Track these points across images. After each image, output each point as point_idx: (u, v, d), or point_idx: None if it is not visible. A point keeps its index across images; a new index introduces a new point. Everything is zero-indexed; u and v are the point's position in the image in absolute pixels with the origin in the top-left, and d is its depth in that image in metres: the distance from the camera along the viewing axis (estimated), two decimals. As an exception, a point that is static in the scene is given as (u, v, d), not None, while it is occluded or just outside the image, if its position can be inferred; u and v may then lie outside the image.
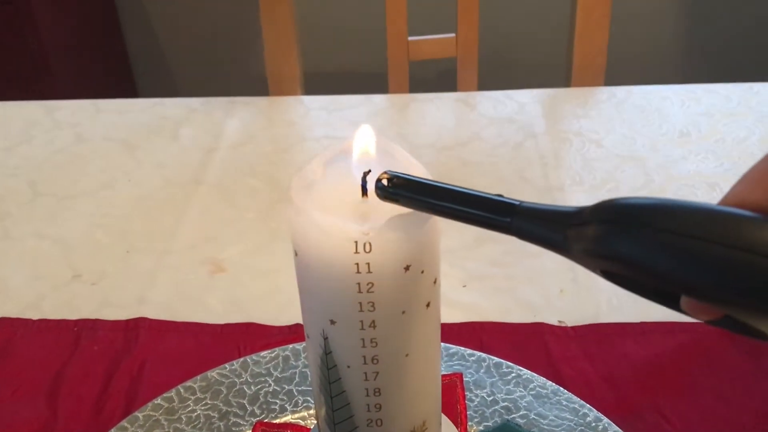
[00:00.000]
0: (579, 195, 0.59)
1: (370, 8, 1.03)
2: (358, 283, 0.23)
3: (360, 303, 0.24)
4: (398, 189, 0.23)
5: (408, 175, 0.23)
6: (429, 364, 0.26)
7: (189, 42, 1.59)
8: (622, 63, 1.10)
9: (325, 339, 0.25)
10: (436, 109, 0.72)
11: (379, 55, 0.80)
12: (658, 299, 0.21)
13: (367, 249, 0.23)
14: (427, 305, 0.25)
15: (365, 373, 0.25)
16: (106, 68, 1.52)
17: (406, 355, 0.25)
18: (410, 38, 0.77)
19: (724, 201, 0.19)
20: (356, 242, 0.23)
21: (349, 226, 0.23)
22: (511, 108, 0.71)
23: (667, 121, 0.68)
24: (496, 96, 0.73)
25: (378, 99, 0.74)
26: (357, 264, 0.23)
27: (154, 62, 1.62)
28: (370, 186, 0.24)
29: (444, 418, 0.32)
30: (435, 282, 0.25)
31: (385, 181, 0.23)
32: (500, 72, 1.07)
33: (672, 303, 0.20)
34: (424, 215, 0.24)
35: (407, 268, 0.23)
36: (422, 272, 0.24)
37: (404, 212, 0.23)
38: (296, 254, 0.24)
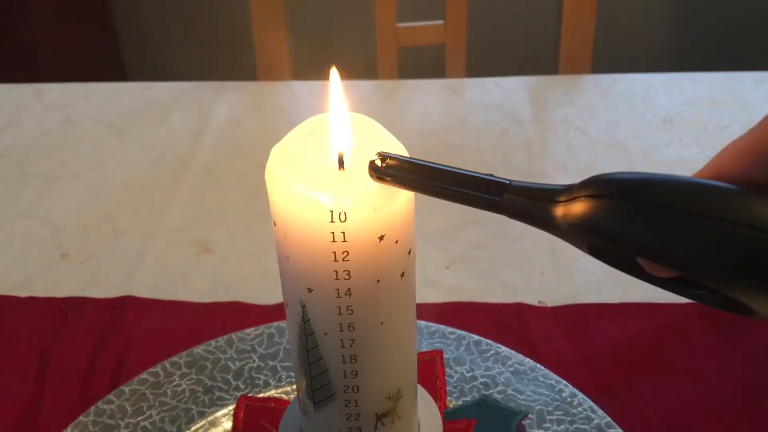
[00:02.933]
0: (562, 181, 0.60)
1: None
2: (334, 252, 0.24)
3: (336, 271, 0.24)
4: (391, 169, 0.23)
5: (401, 156, 0.23)
6: (404, 333, 0.27)
7: (178, 26, 1.59)
8: (609, 52, 1.11)
9: (303, 307, 0.26)
10: (424, 96, 0.73)
11: (368, 41, 0.81)
12: (642, 276, 0.21)
13: (343, 219, 0.23)
14: (402, 275, 0.26)
15: (341, 340, 0.26)
16: (95, 52, 1.52)
17: (381, 323, 0.26)
18: (399, 24, 0.78)
19: (700, 174, 0.20)
20: (332, 212, 0.23)
21: (325, 196, 0.23)
22: (498, 95, 0.71)
23: (651, 108, 0.68)
24: (483, 83, 0.73)
25: (367, 85, 0.74)
26: (333, 233, 0.24)
27: (143, 46, 1.62)
28: (347, 159, 0.25)
29: (420, 389, 0.32)
30: (409, 253, 0.26)
31: (378, 161, 0.23)
32: (488, 59, 1.08)
33: (655, 279, 0.21)
34: (399, 190, 0.24)
35: (381, 238, 0.24)
36: (396, 242, 0.25)
37: (380, 184, 0.24)
38: (275, 224, 0.25)
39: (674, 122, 0.66)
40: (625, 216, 0.18)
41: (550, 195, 0.21)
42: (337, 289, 0.25)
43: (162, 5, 1.56)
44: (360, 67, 0.87)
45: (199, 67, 1.59)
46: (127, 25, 1.59)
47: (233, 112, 0.70)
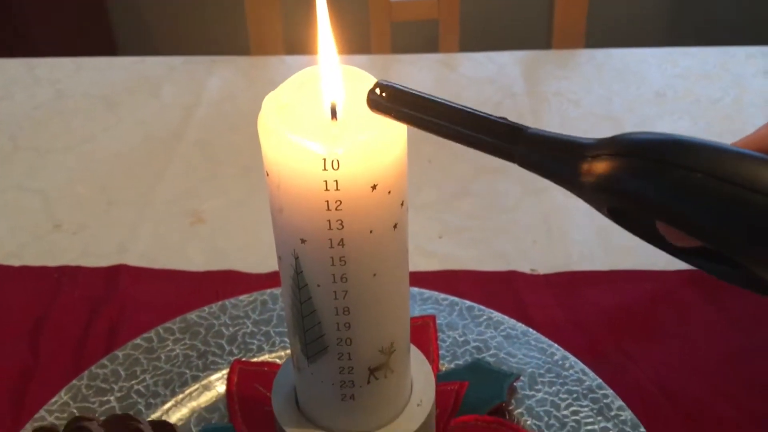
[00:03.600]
0: (555, 152, 0.60)
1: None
2: (327, 201, 0.24)
3: (329, 221, 0.25)
4: (392, 101, 0.21)
5: (402, 86, 0.21)
6: (396, 286, 0.27)
7: (170, 1, 1.58)
8: (604, 26, 1.10)
9: (296, 258, 0.26)
10: (418, 71, 0.72)
11: (362, 16, 0.80)
12: (663, 245, 0.19)
13: (335, 166, 0.23)
14: (395, 226, 0.26)
15: (334, 292, 0.26)
16: (86, 27, 1.51)
17: (374, 275, 0.26)
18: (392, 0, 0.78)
19: (745, 141, 0.19)
20: (324, 159, 0.23)
21: (318, 145, 0.23)
22: (491, 69, 0.71)
23: (645, 82, 0.68)
24: (477, 57, 0.73)
25: (360, 59, 0.74)
26: (326, 181, 0.24)
27: (134, 21, 1.61)
28: (339, 109, 0.25)
29: (413, 348, 0.33)
30: (402, 204, 0.26)
31: (378, 91, 0.21)
32: (482, 34, 1.07)
33: (676, 250, 0.19)
34: (392, 137, 0.24)
35: (374, 187, 0.24)
36: (389, 193, 0.25)
37: (373, 133, 0.24)
38: (267, 175, 0.25)
39: (667, 95, 0.67)
40: (649, 176, 0.17)
41: (573, 148, 0.19)
42: (330, 240, 0.25)
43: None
44: (353, 42, 0.87)
45: (191, 42, 1.58)
46: (119, 8, 1.58)
47: (226, 86, 0.70)
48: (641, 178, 0.17)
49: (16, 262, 0.51)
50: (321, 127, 0.24)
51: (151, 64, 0.73)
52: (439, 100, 0.21)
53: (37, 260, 0.51)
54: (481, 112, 0.21)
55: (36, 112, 0.67)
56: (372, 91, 0.22)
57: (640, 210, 0.17)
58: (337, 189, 0.24)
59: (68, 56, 0.74)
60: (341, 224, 0.25)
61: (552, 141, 0.20)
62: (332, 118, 0.25)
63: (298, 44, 0.79)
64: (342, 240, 0.25)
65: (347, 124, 0.24)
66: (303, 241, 0.25)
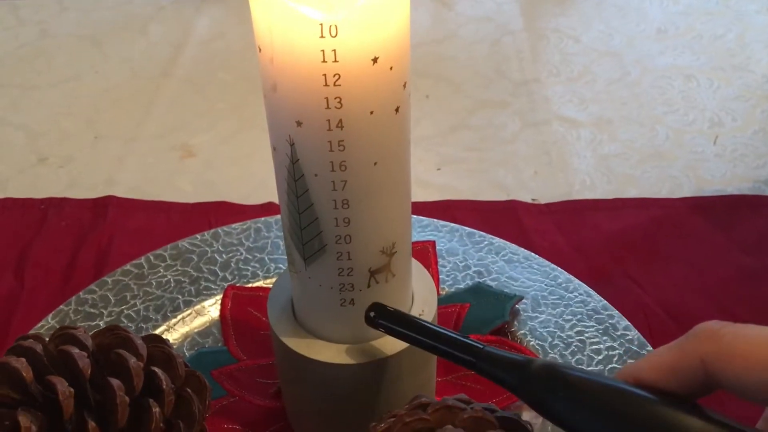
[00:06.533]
0: (556, 87, 0.59)
1: None
2: (324, 75, 0.22)
3: (326, 98, 0.23)
4: (382, 319, 0.27)
5: (393, 308, 0.27)
6: (398, 178, 0.26)
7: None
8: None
9: (292, 145, 0.25)
10: (413, 9, 0.70)
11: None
12: None
13: (333, 33, 0.22)
14: (397, 110, 0.24)
15: (333, 182, 0.25)
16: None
17: (375, 164, 0.25)
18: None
19: (626, 373, 0.22)
20: (321, 25, 0.22)
21: (315, 10, 0.22)
22: (488, 6, 0.69)
23: (645, 19, 0.67)
24: (473, -3, 0.71)
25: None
26: (323, 51, 0.22)
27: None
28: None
29: (414, 261, 0.31)
30: (405, 86, 0.24)
31: (372, 313, 0.27)
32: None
33: None
34: (394, 4, 0.23)
35: (375, 60, 0.23)
36: (391, 69, 0.23)
37: (372, 2, 0.22)
38: (260, 50, 0.24)
39: (668, 32, 0.65)
40: (566, 409, 0.22)
41: (515, 368, 0.24)
42: (328, 120, 0.23)
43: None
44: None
45: None
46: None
47: (215, 25, 0.68)
48: (562, 408, 0.22)
49: (0, 196, 0.49)
50: (317, -2, 0.23)
51: (138, 4, 0.70)
52: (422, 322, 0.27)
53: (22, 193, 0.49)
54: (451, 332, 0.27)
55: (19, 51, 0.65)
56: (368, 312, 0.27)
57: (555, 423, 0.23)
58: (335, 60, 0.22)
59: None
60: (340, 102, 0.23)
61: (500, 359, 0.25)
62: (329, -10, 0.23)
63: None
64: (341, 121, 0.23)
65: (345, -5, 0.23)
66: (299, 123, 0.24)
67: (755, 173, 0.49)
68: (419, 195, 0.49)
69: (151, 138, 0.54)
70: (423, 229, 0.44)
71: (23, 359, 0.26)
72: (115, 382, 0.26)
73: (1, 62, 0.63)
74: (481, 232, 0.43)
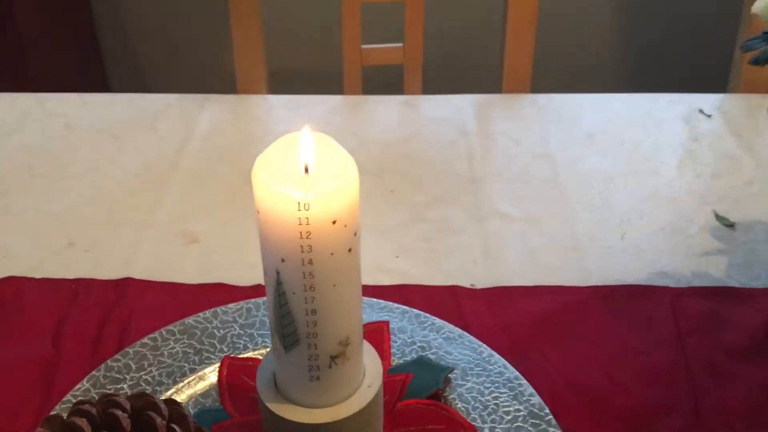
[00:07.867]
0: (499, 185, 0.71)
1: (329, 18, 1.15)
2: (300, 232, 0.34)
3: (301, 246, 0.34)
4: None
5: None
6: (351, 293, 0.37)
7: (161, 43, 1.68)
8: (549, 72, 1.23)
9: (278, 273, 0.36)
10: (384, 110, 0.83)
11: (336, 59, 0.91)
12: None
13: (307, 208, 0.33)
14: (349, 250, 0.36)
15: (305, 298, 0.36)
16: (80, 66, 1.59)
17: (334, 286, 0.36)
18: (363, 46, 0.88)
19: None
20: (299, 203, 0.33)
21: (295, 192, 0.33)
22: (448, 110, 0.82)
23: (578, 125, 0.79)
24: (436, 99, 0.84)
25: (334, 99, 0.84)
26: (299, 218, 0.34)
27: (126, 61, 1.70)
28: (311, 167, 0.35)
29: (366, 343, 0.43)
30: (355, 234, 0.36)
31: None
32: (442, 78, 1.19)
33: None
34: (348, 188, 0.34)
35: (334, 222, 0.34)
36: (345, 226, 0.35)
37: (334, 185, 0.34)
38: (258, 213, 0.35)
39: (596, 137, 0.78)
40: None
41: None
42: (302, 259, 0.35)
43: (146, 22, 1.65)
44: (329, 84, 0.98)
45: (181, 81, 1.68)
46: (112, 41, 1.67)
47: (216, 122, 0.80)
48: None
49: (37, 275, 0.60)
50: (297, 179, 0.34)
51: (149, 100, 0.82)
52: None
53: (55, 273, 0.60)
54: None
55: (48, 143, 0.76)
56: None
57: None
58: (308, 224, 0.34)
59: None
60: (310, 248, 0.35)
61: None
62: (305, 173, 0.35)
63: (280, 85, 0.90)
64: (311, 260, 0.35)
65: (316, 178, 0.34)
66: (283, 260, 0.35)
67: (652, 266, 0.61)
68: (379, 279, 0.60)
69: (161, 225, 0.66)
70: (380, 310, 0.55)
71: (84, 419, 0.37)
72: (148, 436, 0.37)
73: (33, 153, 0.74)
74: (426, 314, 0.55)
